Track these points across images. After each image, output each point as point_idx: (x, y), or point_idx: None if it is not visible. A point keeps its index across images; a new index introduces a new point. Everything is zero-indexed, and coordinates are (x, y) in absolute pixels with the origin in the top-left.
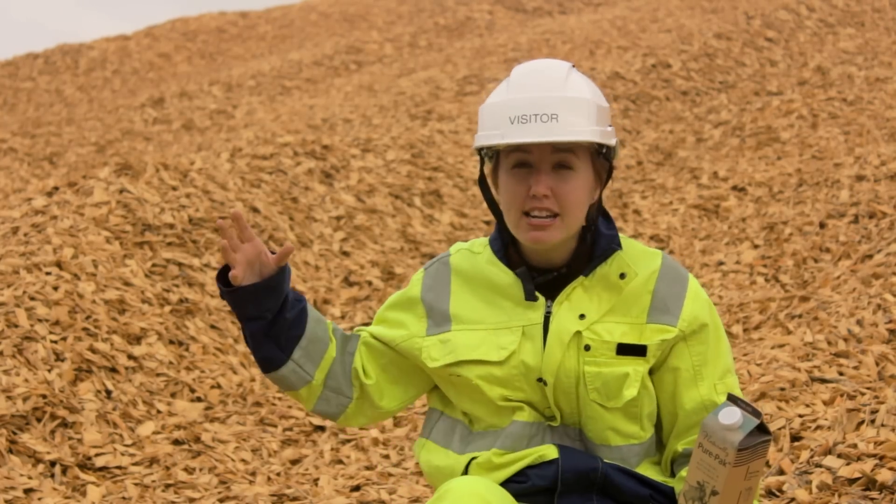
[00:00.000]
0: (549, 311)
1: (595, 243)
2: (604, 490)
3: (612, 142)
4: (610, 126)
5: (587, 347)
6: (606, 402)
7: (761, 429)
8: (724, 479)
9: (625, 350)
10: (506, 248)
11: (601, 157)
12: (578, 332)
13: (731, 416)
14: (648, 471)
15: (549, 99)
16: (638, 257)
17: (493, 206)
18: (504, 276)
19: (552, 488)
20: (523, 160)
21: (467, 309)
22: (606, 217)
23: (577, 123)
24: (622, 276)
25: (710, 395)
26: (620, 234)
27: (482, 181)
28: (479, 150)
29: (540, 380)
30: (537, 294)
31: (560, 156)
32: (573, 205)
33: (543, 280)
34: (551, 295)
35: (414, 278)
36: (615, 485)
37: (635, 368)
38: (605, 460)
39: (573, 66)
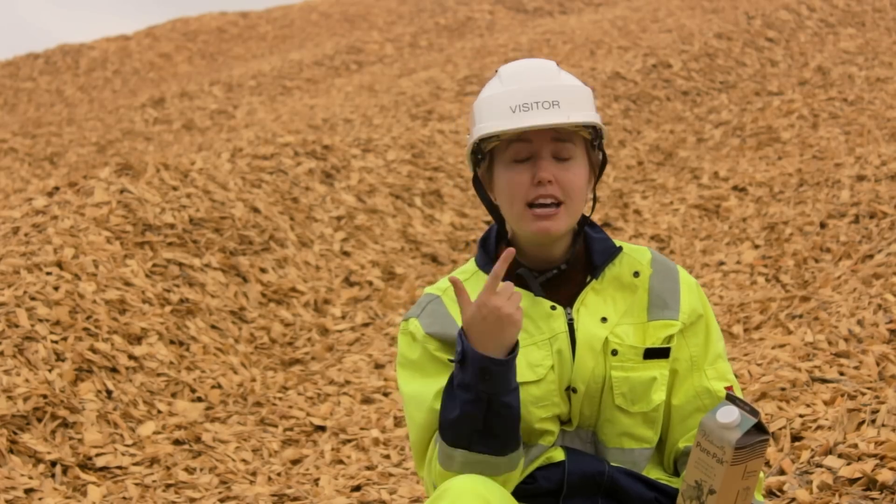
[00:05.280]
0: (570, 318)
1: (590, 248)
2: (609, 493)
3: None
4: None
5: (614, 352)
6: (631, 407)
7: (759, 428)
8: (722, 477)
9: (650, 354)
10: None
11: (595, 149)
12: (606, 337)
13: (729, 414)
14: (652, 472)
15: (549, 87)
16: (634, 255)
17: (490, 206)
18: None
19: (558, 490)
20: (523, 151)
21: None
22: (591, 224)
23: (578, 108)
24: (636, 274)
25: (701, 380)
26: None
27: (476, 183)
28: (474, 150)
29: (569, 388)
30: (555, 305)
31: (559, 145)
32: (576, 192)
33: (544, 279)
34: (554, 298)
35: (403, 334)
36: (621, 488)
37: (661, 372)
38: (614, 463)
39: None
